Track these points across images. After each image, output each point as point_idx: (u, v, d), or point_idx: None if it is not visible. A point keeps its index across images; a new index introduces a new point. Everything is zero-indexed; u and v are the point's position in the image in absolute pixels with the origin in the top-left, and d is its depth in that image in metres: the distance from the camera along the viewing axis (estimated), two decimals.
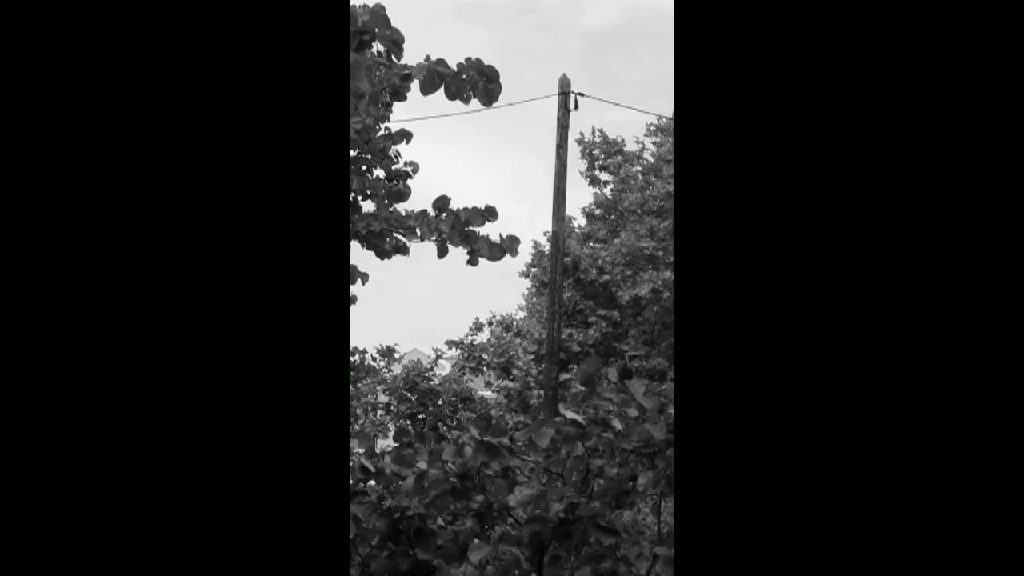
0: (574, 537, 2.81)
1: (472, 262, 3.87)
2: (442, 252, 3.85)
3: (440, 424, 14.24)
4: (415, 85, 3.33)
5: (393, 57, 3.39)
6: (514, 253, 3.89)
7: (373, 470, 2.69)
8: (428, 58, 3.31)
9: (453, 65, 3.29)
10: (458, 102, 3.30)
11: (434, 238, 3.87)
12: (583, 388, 2.97)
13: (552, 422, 2.74)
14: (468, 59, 3.35)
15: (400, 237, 4.02)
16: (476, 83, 3.32)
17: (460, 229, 3.82)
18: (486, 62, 3.28)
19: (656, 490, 2.90)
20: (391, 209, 4.16)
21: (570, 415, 2.72)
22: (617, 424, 2.83)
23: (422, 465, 2.63)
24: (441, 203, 3.87)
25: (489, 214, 3.82)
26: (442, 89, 3.27)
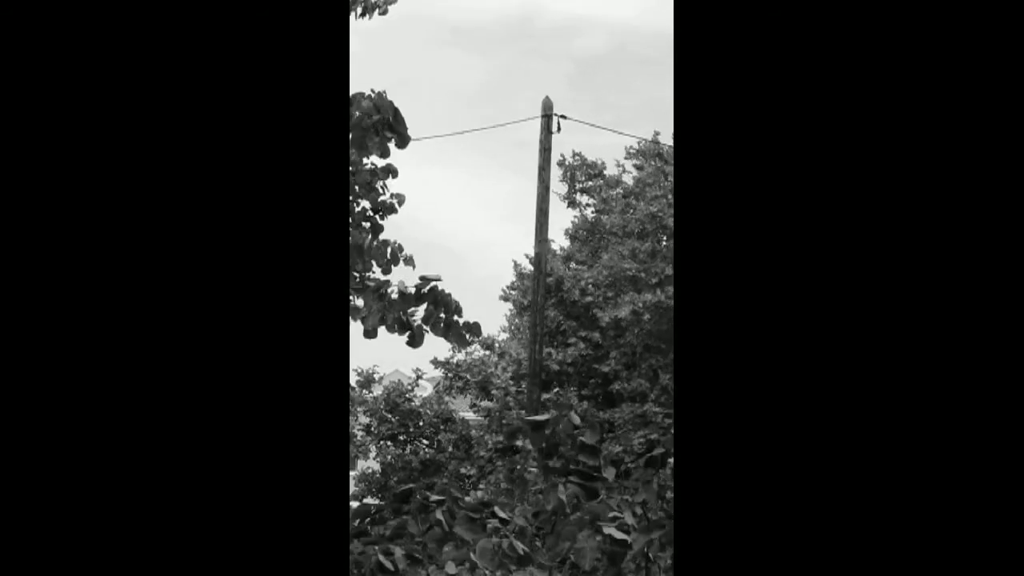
0: None
1: (412, 344, 3.78)
2: (370, 335, 3.80)
3: (422, 448, 14.20)
4: None
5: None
6: (466, 343, 3.87)
7: (392, 568, 2.74)
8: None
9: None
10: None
11: (395, 329, 3.82)
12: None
13: (587, 532, 2.80)
14: (372, 91, 3.24)
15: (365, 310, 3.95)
16: (379, 128, 3.23)
17: (398, 319, 3.76)
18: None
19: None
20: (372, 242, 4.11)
21: (618, 535, 2.79)
22: (630, 519, 2.90)
23: (451, 568, 2.69)
24: (427, 281, 3.79)
25: (457, 311, 3.77)
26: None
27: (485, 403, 16.45)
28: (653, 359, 15.39)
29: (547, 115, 13.09)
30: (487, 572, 2.71)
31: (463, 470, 14.30)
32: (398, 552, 2.73)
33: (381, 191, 4.66)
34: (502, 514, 2.87)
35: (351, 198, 4.58)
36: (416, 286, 3.86)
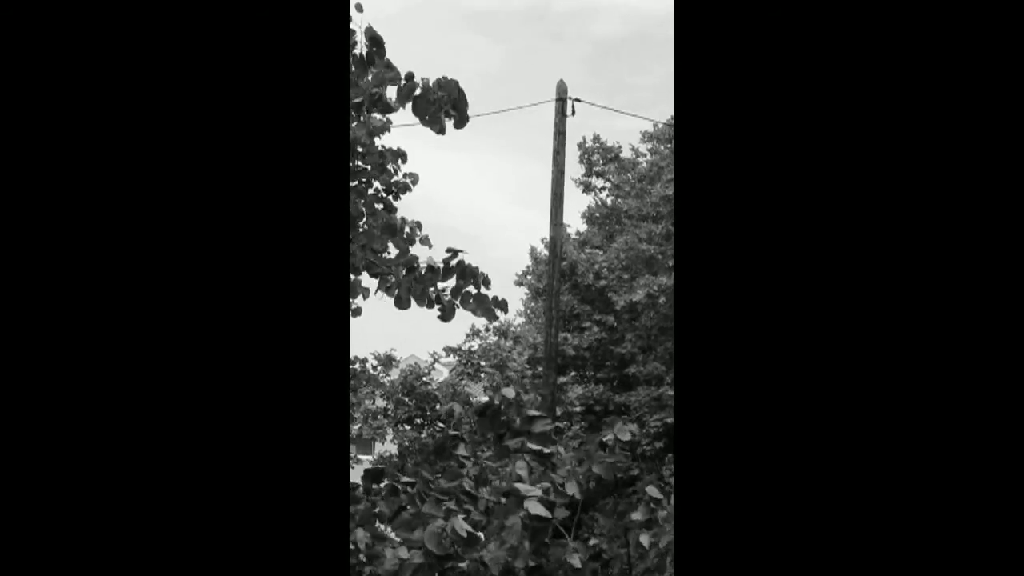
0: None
1: (444, 319, 3.83)
2: (403, 307, 3.84)
3: (438, 431, 14.21)
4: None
5: (376, 59, 3.41)
6: (493, 317, 3.89)
7: (351, 547, 2.79)
8: (411, 75, 3.34)
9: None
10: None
11: (424, 303, 3.85)
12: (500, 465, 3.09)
13: (515, 508, 2.85)
14: (444, 78, 3.38)
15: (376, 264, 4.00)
16: (443, 105, 3.35)
17: (469, 295, 3.80)
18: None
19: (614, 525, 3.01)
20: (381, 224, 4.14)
21: (534, 510, 2.83)
22: (571, 489, 2.95)
23: (403, 553, 2.74)
24: (452, 255, 3.83)
25: (485, 282, 3.81)
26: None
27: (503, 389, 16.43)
28: (669, 342, 15.37)
29: (561, 98, 13.06)
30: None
31: (479, 452, 14.32)
32: (359, 533, 2.80)
33: (393, 172, 4.68)
34: (470, 490, 2.94)
35: (364, 180, 4.60)
36: (444, 260, 3.89)
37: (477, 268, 3.88)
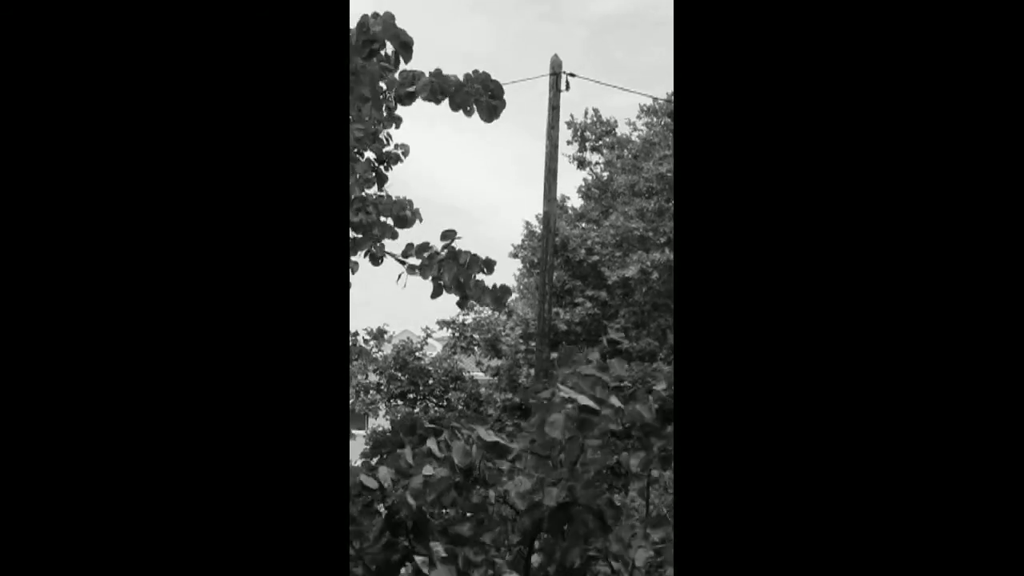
0: (575, 523, 2.85)
1: (461, 304, 3.89)
2: (436, 294, 3.89)
3: (431, 406, 14.27)
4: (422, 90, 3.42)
5: (402, 60, 3.43)
6: (502, 307, 3.95)
7: (375, 486, 2.75)
8: (438, 72, 3.37)
9: (458, 70, 3.37)
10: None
11: (430, 278, 3.89)
12: (562, 371, 3.01)
13: (558, 406, 2.77)
14: (475, 71, 3.40)
15: (388, 253, 4.02)
16: (480, 96, 3.38)
17: (457, 279, 3.85)
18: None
19: (647, 471, 2.94)
20: (380, 195, 4.15)
21: (582, 400, 2.74)
22: (616, 402, 2.85)
23: (429, 470, 2.70)
24: (448, 236, 3.87)
25: (487, 266, 3.85)
26: (447, 100, 3.36)
27: (494, 361, 16.52)
28: (662, 318, 15.42)
29: (555, 73, 13.02)
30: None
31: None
32: (383, 471, 2.75)
33: (385, 141, 4.65)
34: (501, 440, 2.87)
35: (356, 150, 4.57)
36: (444, 247, 3.90)
37: (479, 256, 3.91)
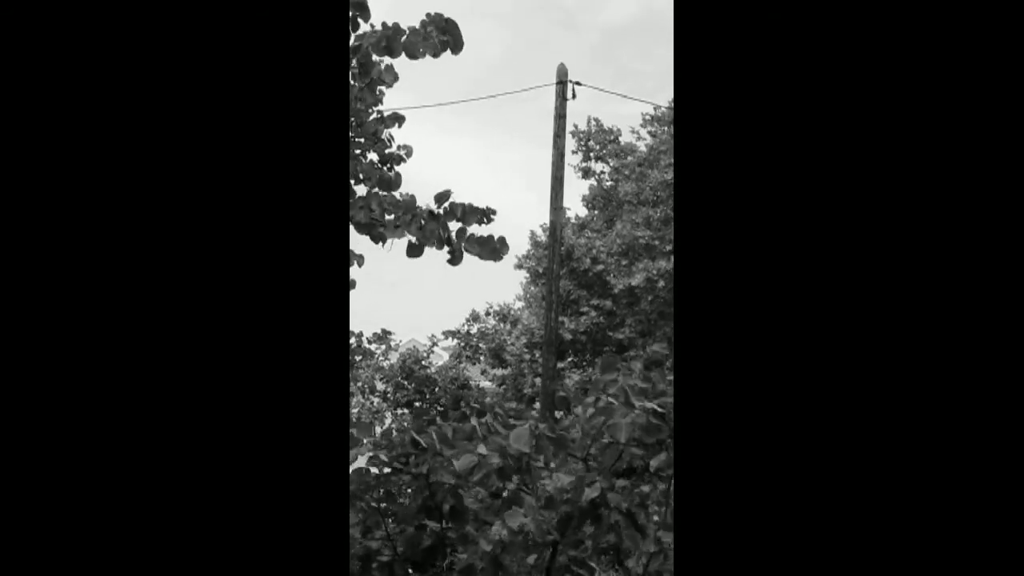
0: (603, 522, 2.86)
1: (452, 262, 3.77)
2: (413, 253, 3.77)
3: (461, 403, 14.24)
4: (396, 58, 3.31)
5: (360, 20, 3.39)
6: (498, 257, 3.81)
7: (424, 445, 2.72)
8: (384, 24, 3.31)
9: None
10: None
11: (434, 244, 3.80)
12: (604, 377, 3.01)
13: (626, 411, 2.76)
14: (428, 14, 3.33)
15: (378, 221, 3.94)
16: (431, 38, 3.31)
17: (438, 233, 3.75)
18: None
19: (669, 471, 2.95)
20: (384, 194, 4.11)
21: (650, 406, 2.73)
22: (657, 408, 2.86)
23: (482, 450, 2.67)
24: (442, 197, 3.79)
25: (486, 216, 3.76)
26: (404, 55, 3.28)
27: (499, 371, 16.52)
28: (668, 326, 15.41)
29: (562, 82, 13.04)
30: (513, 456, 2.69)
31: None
32: (435, 432, 2.73)
33: (388, 142, 4.63)
34: (562, 433, 2.87)
35: (358, 151, 4.57)
36: (437, 200, 3.81)
37: (477, 207, 3.81)
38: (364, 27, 3.43)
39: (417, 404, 14.95)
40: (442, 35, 3.30)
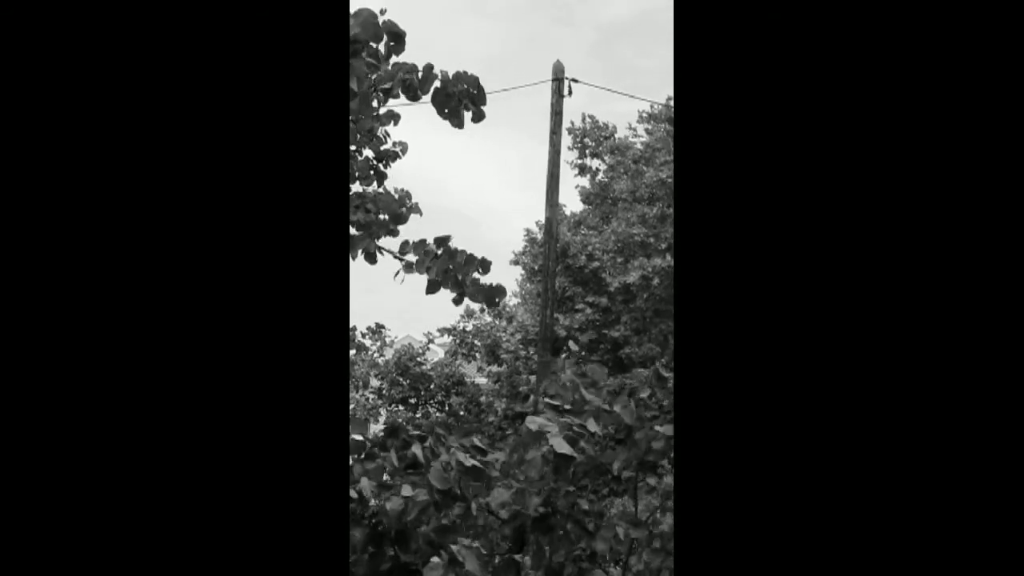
0: (555, 529, 2.91)
1: (457, 301, 3.90)
2: (431, 290, 3.90)
3: (433, 411, 14.25)
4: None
5: (393, 55, 3.43)
6: (494, 305, 3.98)
7: (356, 497, 2.78)
8: (412, 67, 3.37)
9: (465, 71, 3.37)
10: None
11: (427, 275, 3.91)
12: (545, 382, 3.08)
13: (536, 442, 2.84)
14: (463, 72, 3.40)
15: (385, 250, 4.03)
16: (463, 99, 3.40)
17: (455, 276, 3.87)
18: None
19: (632, 472, 2.98)
20: (378, 192, 4.15)
21: (560, 447, 2.81)
22: (593, 427, 2.93)
23: (407, 491, 2.73)
24: (442, 242, 3.89)
25: (482, 266, 3.87)
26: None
27: (494, 368, 16.53)
28: (663, 324, 15.43)
29: (558, 78, 13.03)
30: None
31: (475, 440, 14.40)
32: (364, 482, 2.79)
33: (383, 139, 4.64)
34: (480, 444, 2.93)
35: (353, 147, 4.57)
36: (437, 242, 3.91)
37: (474, 256, 3.93)
38: (394, 59, 3.48)
39: (412, 401, 14.95)
40: (471, 103, 3.42)
